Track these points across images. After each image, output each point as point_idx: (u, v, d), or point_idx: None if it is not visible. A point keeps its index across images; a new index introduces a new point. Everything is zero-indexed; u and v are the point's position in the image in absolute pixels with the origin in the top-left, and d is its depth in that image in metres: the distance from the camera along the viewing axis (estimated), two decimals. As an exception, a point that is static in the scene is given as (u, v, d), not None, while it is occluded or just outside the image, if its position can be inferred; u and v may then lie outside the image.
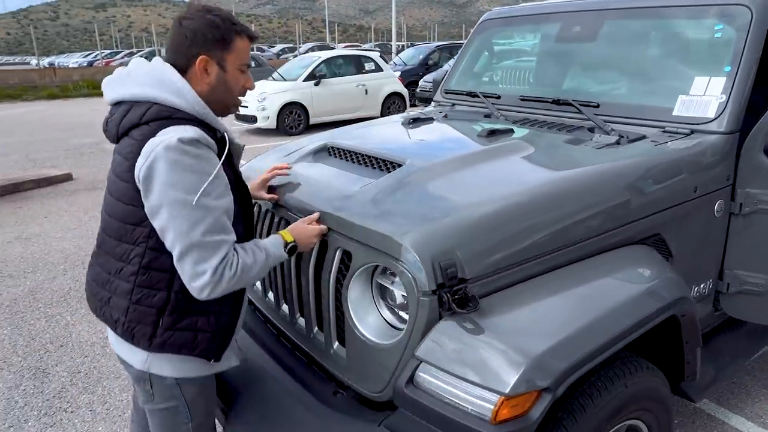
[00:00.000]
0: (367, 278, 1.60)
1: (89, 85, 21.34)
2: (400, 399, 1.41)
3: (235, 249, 1.36)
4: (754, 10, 2.07)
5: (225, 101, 1.47)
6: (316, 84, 10.95)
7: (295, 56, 16.50)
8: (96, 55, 39.73)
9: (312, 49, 29.41)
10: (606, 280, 1.56)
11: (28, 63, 54.86)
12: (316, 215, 1.66)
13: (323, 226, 1.64)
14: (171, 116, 1.34)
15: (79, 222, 5.76)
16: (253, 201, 1.90)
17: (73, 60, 40.73)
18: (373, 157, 1.97)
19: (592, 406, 1.43)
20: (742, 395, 2.71)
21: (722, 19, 2.13)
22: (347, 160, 2.07)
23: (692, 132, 2.05)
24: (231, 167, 1.48)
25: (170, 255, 1.33)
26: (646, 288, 1.56)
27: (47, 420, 2.69)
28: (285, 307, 1.96)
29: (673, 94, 2.16)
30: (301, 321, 1.87)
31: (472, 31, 3.30)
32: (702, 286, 2.11)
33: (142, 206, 1.32)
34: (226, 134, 1.47)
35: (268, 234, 1.88)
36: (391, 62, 16.01)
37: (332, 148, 2.20)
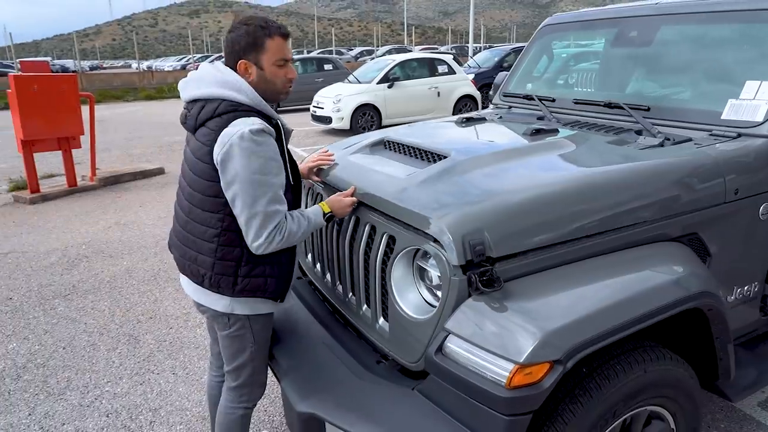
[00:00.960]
0: (409, 261, 1.79)
1: (182, 88, 22.90)
2: (430, 366, 1.59)
3: (285, 217, 1.72)
4: (811, 14, 2.06)
5: (271, 92, 1.79)
6: (390, 86, 11.25)
7: (372, 59, 16.91)
8: (188, 59, 42.56)
9: (389, 52, 29.91)
10: (630, 270, 1.66)
11: (130, 66, 59.58)
12: (351, 189, 1.99)
13: (354, 198, 1.95)
14: (237, 109, 1.69)
15: (168, 211, 6.35)
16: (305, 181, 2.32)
17: (168, 63, 43.89)
18: (422, 150, 2.18)
19: (609, 386, 1.54)
20: (800, 406, 2.64)
21: (778, 24, 2.14)
22: (400, 152, 2.29)
23: (739, 135, 2.07)
24: (283, 147, 1.80)
25: None
26: (669, 279, 1.64)
27: (138, 379, 3.10)
28: (339, 287, 2.20)
29: (723, 98, 2.19)
30: (352, 299, 2.10)
31: (532, 35, 3.41)
32: (746, 288, 2.13)
33: (212, 180, 1.68)
34: (279, 121, 1.78)
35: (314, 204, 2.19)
36: (466, 65, 16.04)
37: (388, 141, 2.42)
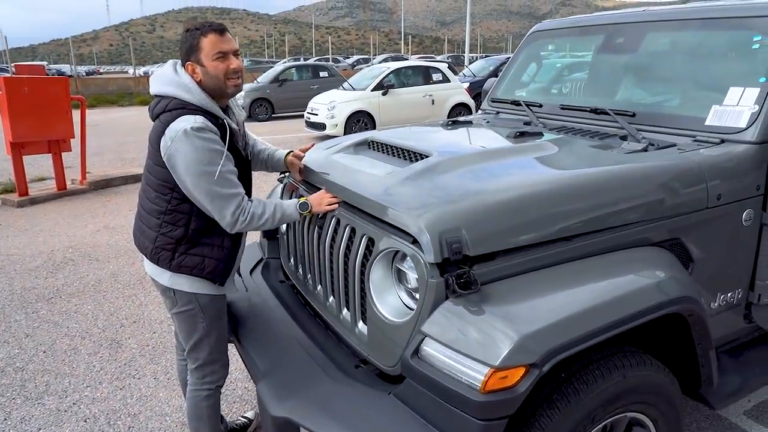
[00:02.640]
0: (388, 263, 1.77)
1: (177, 93, 22.87)
2: (407, 369, 1.56)
3: (250, 201, 1.90)
4: (794, 21, 2.06)
5: (218, 87, 1.91)
6: (384, 94, 11.27)
7: (367, 67, 16.99)
8: (185, 65, 42.49)
9: (386, 60, 30.05)
10: (609, 274, 1.64)
11: (126, 72, 59.54)
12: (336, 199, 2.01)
13: (336, 198, 1.99)
14: (185, 107, 1.86)
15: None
16: (286, 177, 2.56)
17: (165, 69, 43.75)
18: (405, 149, 2.17)
19: (587, 391, 1.52)
20: (784, 415, 2.62)
21: (761, 30, 2.14)
22: (383, 152, 2.28)
23: (722, 141, 2.07)
24: (231, 143, 1.93)
25: (189, 203, 1.87)
26: (649, 283, 1.62)
27: (118, 383, 3.05)
28: (320, 289, 2.17)
29: (707, 104, 2.18)
30: (332, 302, 2.07)
31: (521, 42, 3.41)
32: (729, 295, 2.11)
33: (161, 165, 1.85)
34: (225, 121, 1.94)
35: None
36: (461, 73, 16.10)
37: (372, 141, 2.41)
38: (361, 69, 14.81)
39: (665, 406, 1.73)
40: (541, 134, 2.37)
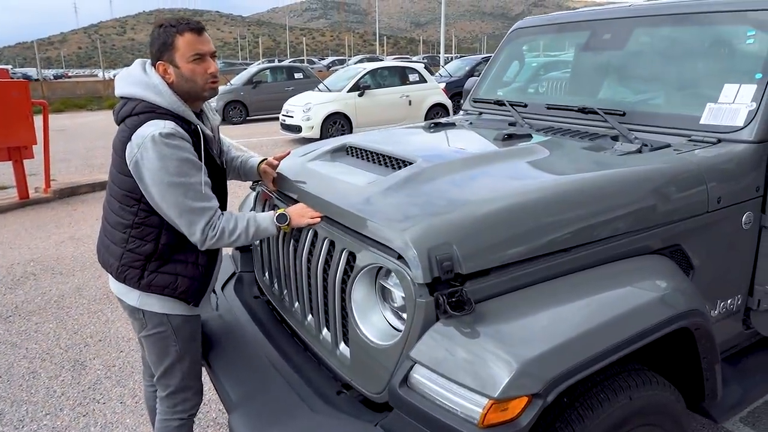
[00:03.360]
0: (371, 280, 1.62)
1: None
2: (395, 399, 1.41)
3: (222, 215, 1.74)
4: (789, 14, 1.98)
5: (193, 90, 1.76)
6: (360, 95, 11.11)
7: (343, 69, 16.82)
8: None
9: (361, 61, 29.88)
10: (612, 287, 1.52)
11: (96, 75, 58.17)
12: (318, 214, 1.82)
13: (318, 214, 1.81)
14: (154, 111, 1.69)
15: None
16: (259, 185, 2.36)
17: (136, 72, 42.83)
18: (386, 156, 2.02)
19: (592, 418, 1.39)
20: (780, 421, 2.55)
21: (755, 25, 2.05)
22: (362, 159, 2.12)
23: (719, 141, 1.97)
24: (206, 151, 1.78)
25: (159, 215, 1.70)
26: (654, 298, 1.50)
27: (81, 410, 2.83)
28: (297, 307, 2.00)
29: (701, 102, 2.08)
30: (311, 321, 1.91)
31: (503, 40, 3.29)
32: (729, 301, 2.01)
33: (127, 175, 1.67)
34: (199, 126, 1.77)
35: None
36: (437, 74, 16.04)
37: (350, 147, 2.25)
38: (336, 70, 14.62)
39: (671, 425, 1.61)
40: (529, 136, 2.24)
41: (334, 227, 1.74)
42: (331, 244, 1.75)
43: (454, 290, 1.37)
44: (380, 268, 1.57)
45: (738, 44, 2.09)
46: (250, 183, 2.50)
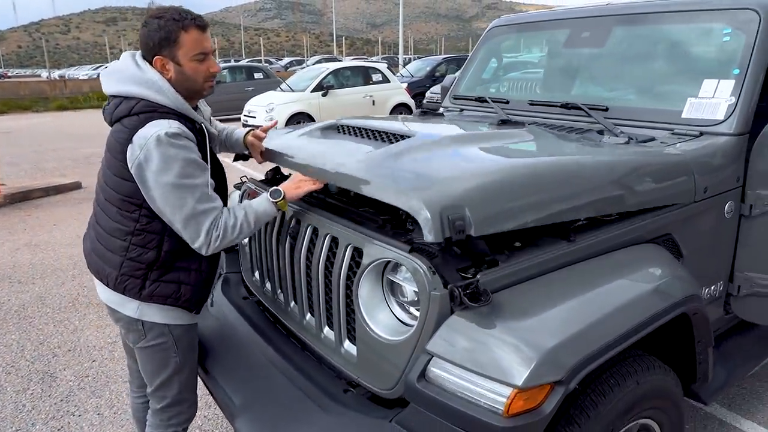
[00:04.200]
0: (378, 275, 1.60)
1: (99, 97, 21.57)
2: (412, 394, 1.40)
3: (220, 213, 1.62)
4: (762, 14, 2.08)
5: (192, 89, 1.67)
6: (324, 95, 11.04)
7: (303, 69, 16.65)
8: (107, 67, 40.15)
9: (319, 62, 29.69)
10: (616, 276, 1.56)
11: (39, 75, 55.58)
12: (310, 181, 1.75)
13: (314, 180, 1.75)
14: (156, 110, 1.58)
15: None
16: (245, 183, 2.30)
17: (83, 72, 41.24)
18: (383, 131, 1.97)
19: (604, 403, 1.42)
20: (754, 400, 2.68)
21: (731, 23, 2.15)
22: (357, 135, 2.07)
23: (701, 134, 2.05)
24: (208, 150, 1.71)
25: (160, 221, 1.60)
26: (657, 285, 1.55)
27: (54, 424, 2.69)
28: (294, 307, 1.96)
29: (682, 97, 2.16)
30: (311, 320, 1.87)
31: (481, 37, 3.33)
32: (713, 288, 2.10)
33: (127, 179, 1.57)
34: (203, 125, 1.69)
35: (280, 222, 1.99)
36: (398, 74, 16.12)
37: (341, 126, 2.20)
38: (295, 71, 14.47)
39: (672, 409, 1.67)
40: (524, 124, 2.27)
41: (335, 222, 1.71)
42: (333, 240, 1.72)
43: (469, 282, 1.37)
44: (388, 262, 1.56)
45: (716, 41, 2.19)
46: (236, 181, 2.44)
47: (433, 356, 1.37)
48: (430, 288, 1.39)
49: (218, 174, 1.77)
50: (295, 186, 1.74)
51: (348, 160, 1.71)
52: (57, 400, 2.88)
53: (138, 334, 1.72)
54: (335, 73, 11.55)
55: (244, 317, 2.17)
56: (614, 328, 1.37)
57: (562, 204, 1.58)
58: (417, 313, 1.52)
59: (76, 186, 7.68)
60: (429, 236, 1.35)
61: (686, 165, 1.88)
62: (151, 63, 1.63)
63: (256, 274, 2.26)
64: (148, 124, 1.54)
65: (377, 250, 1.54)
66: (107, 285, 1.69)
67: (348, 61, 13.57)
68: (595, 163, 1.73)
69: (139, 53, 1.67)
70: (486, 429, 1.24)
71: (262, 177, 2.43)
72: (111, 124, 1.65)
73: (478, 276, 1.42)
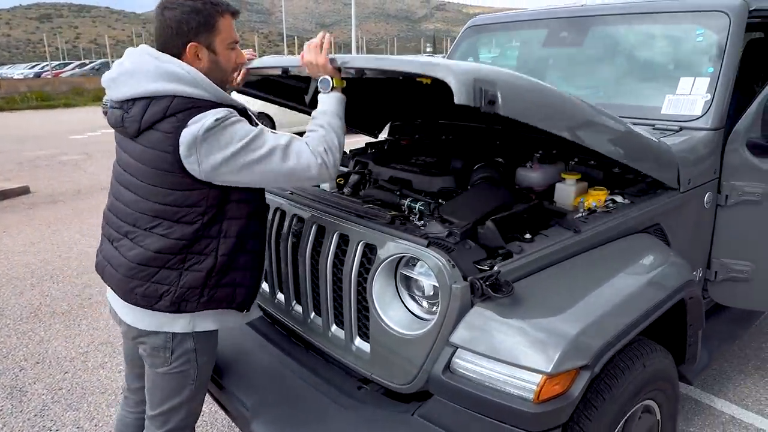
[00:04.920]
0: (390, 271, 1.61)
1: (38, 97, 20.50)
2: (437, 386, 1.42)
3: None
4: (731, 16, 2.22)
5: (221, 80, 1.55)
6: (282, 94, 10.88)
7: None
8: (43, 67, 38.17)
9: (271, 62, 29.20)
10: (621, 265, 1.63)
11: (-33, 75, 52.13)
12: (319, 37, 1.60)
13: (326, 37, 1.59)
14: (195, 106, 1.39)
15: (42, 236, 5.50)
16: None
17: (18, 71, 39.01)
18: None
19: (617, 386, 1.48)
20: (723, 380, 2.85)
21: (703, 24, 2.28)
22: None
23: (681, 129, 2.17)
24: None
25: (217, 222, 1.47)
26: (659, 272, 1.64)
27: (31, 439, 2.55)
28: (296, 307, 1.94)
29: (661, 93, 2.28)
30: (316, 320, 1.86)
31: (457, 37, 3.38)
32: (694, 274, 2.22)
33: (199, 188, 1.42)
34: (249, 111, 1.53)
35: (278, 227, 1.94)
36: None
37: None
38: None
39: (670, 390, 1.76)
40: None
41: (345, 220, 1.70)
42: (341, 237, 1.71)
43: (489, 274, 1.40)
44: (401, 257, 1.57)
45: (689, 42, 2.32)
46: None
47: (457, 348, 1.39)
48: (451, 281, 1.41)
49: None
50: (317, 58, 1.56)
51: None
52: (30, 415, 2.72)
53: (163, 360, 1.57)
54: (294, 72, 11.42)
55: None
56: (628, 313, 1.44)
57: (566, 122, 1.60)
58: (433, 307, 1.54)
59: (24, 191, 7.27)
60: (460, 97, 1.28)
61: (672, 156, 1.98)
62: (179, 52, 1.46)
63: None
64: (191, 121, 1.36)
65: (392, 245, 1.55)
66: (156, 306, 1.49)
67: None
68: (603, 111, 1.76)
69: (147, 47, 1.49)
70: (517, 416, 1.28)
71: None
72: (138, 133, 1.43)
73: (496, 267, 1.46)
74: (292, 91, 2.31)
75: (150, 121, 1.39)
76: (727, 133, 2.17)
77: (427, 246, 1.48)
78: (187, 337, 1.56)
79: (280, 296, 2.03)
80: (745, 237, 2.22)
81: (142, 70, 1.42)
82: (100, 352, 3.27)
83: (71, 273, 4.53)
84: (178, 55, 1.46)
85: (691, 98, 2.20)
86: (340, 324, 1.77)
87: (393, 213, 1.73)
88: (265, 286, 2.12)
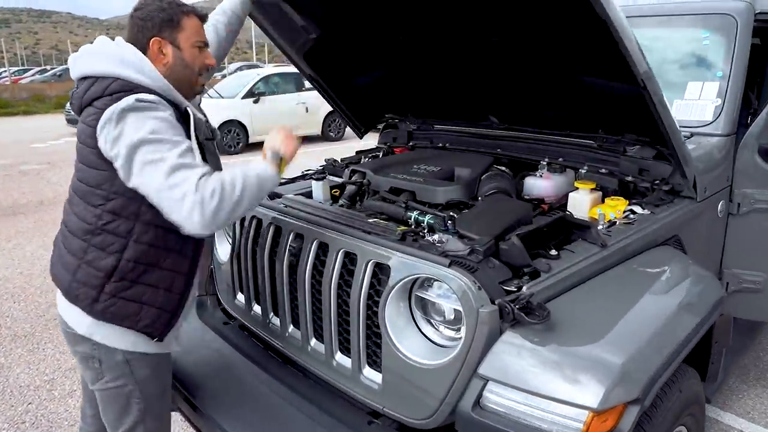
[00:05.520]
0: (405, 293, 1.45)
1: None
2: (466, 424, 1.27)
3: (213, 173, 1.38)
4: (738, 19, 2.15)
5: (187, 80, 1.52)
6: (256, 101, 10.64)
7: (224, 76, 16.06)
8: (1, 73, 36.76)
9: (240, 69, 28.86)
10: (652, 282, 1.52)
11: None
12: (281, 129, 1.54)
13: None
14: (134, 90, 1.39)
15: (1, 251, 5.15)
16: None
17: (-26, 78, 37.48)
18: None
19: (657, 416, 1.36)
20: (726, 392, 2.78)
21: (710, 28, 2.21)
22: None
23: (692, 135, 2.08)
24: (196, 139, 1.50)
25: (128, 220, 1.39)
26: (693, 290, 1.54)
27: (-10, 481, 2.29)
28: (294, 332, 1.77)
29: (669, 99, 2.19)
30: (318, 347, 1.69)
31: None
32: (716, 288, 2.14)
33: (104, 170, 1.38)
34: (189, 109, 1.50)
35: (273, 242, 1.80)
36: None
37: None
38: (216, 78, 13.92)
39: (700, 413, 1.65)
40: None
41: (353, 237, 1.54)
42: (348, 256, 1.56)
43: (521, 296, 1.27)
44: (416, 279, 1.42)
45: (696, 46, 2.25)
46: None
47: (488, 381, 1.25)
48: (477, 304, 1.27)
49: (213, 167, 1.51)
50: (287, 144, 1.50)
51: None
52: (-10, 454, 2.46)
53: (95, 373, 1.49)
54: (266, 79, 11.18)
55: (230, 344, 1.94)
56: (671, 339, 1.32)
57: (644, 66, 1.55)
58: (454, 333, 1.40)
59: (-20, 203, 6.85)
60: None
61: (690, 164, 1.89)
62: (143, 48, 1.47)
63: (240, 296, 2.03)
64: (121, 100, 1.34)
65: (408, 265, 1.40)
66: (61, 291, 1.48)
67: (281, 67, 13.22)
68: None
69: (119, 38, 1.49)
70: (562, 457, 1.14)
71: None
72: (80, 109, 1.44)
73: (524, 288, 1.32)
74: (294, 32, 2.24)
75: (90, 98, 1.41)
76: (737, 140, 2.10)
77: (449, 266, 1.33)
78: (111, 348, 1.46)
79: (274, 319, 1.85)
80: (758, 246, 2.15)
81: (100, 52, 1.47)
82: (68, 379, 3.01)
83: (34, 291, 4.22)
84: (143, 50, 1.47)
85: (701, 103, 2.12)
86: (344, 351, 1.61)
87: (402, 228, 1.58)
88: (257, 308, 1.93)
